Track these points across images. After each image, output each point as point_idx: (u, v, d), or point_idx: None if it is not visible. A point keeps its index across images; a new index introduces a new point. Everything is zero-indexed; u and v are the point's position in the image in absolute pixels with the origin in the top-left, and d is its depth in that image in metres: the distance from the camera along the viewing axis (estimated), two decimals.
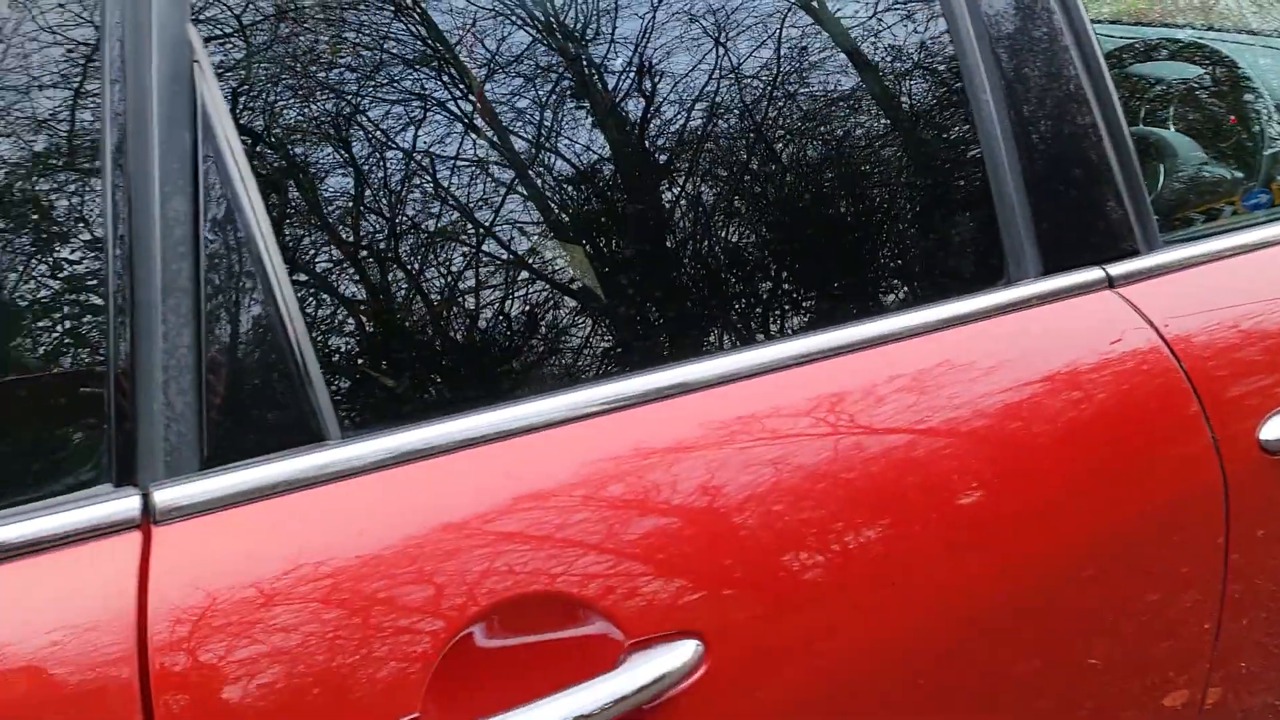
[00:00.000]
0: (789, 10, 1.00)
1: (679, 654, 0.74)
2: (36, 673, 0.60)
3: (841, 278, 1.04)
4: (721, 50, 0.98)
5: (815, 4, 1.03)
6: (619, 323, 0.93)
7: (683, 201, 0.95)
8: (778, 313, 1.02)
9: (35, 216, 0.68)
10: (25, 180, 0.68)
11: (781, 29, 1.00)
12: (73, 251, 0.68)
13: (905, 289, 1.05)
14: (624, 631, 0.74)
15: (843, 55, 1.02)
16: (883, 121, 1.05)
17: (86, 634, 0.61)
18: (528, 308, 0.86)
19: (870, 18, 1.05)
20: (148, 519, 0.65)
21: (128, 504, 0.64)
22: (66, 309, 0.68)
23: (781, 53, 1.00)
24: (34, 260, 0.67)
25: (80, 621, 0.62)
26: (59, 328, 0.68)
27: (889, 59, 1.05)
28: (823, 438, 0.91)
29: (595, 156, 0.92)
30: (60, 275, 0.68)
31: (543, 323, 0.87)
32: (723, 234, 0.98)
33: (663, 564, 0.79)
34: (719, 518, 0.85)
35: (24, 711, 0.59)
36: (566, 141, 0.90)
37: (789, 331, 1.01)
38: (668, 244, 0.96)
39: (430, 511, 0.71)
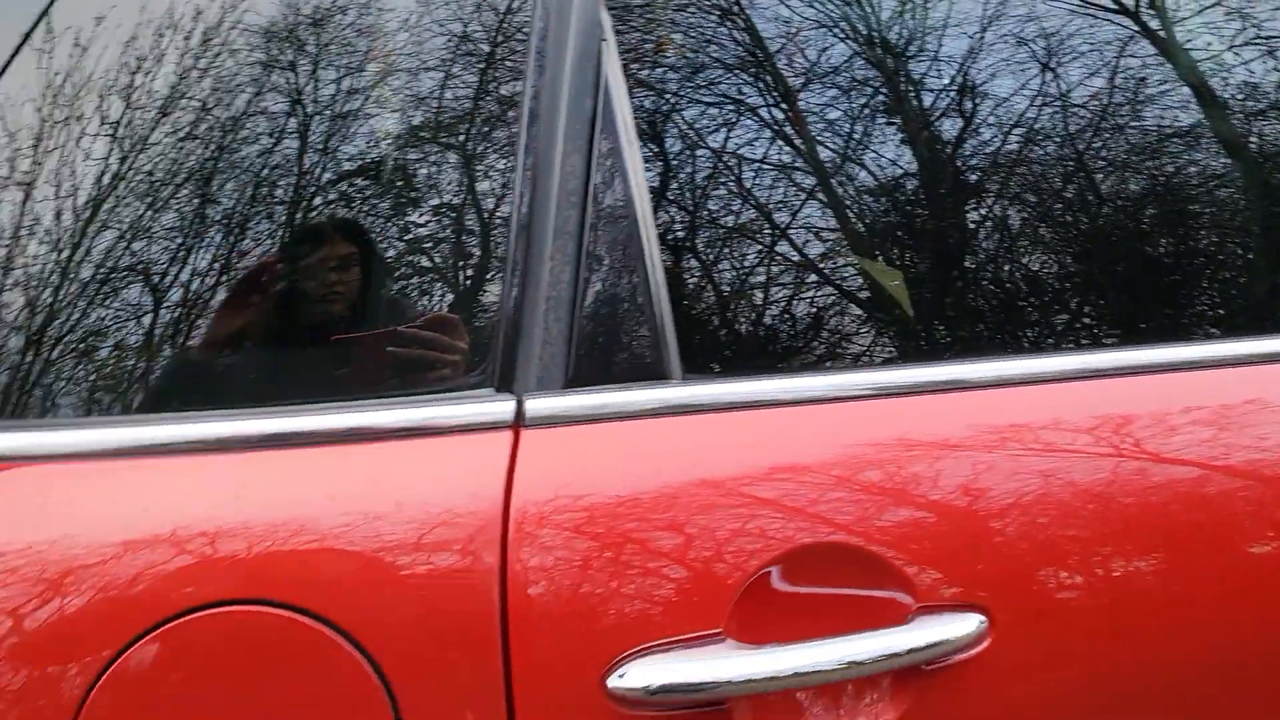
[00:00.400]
0: (1130, 39, 1.02)
1: (964, 625, 0.78)
2: (411, 537, 0.72)
3: (1147, 297, 1.03)
4: (1051, 75, 1.00)
5: (1163, 33, 1.03)
6: (905, 311, 0.97)
7: (994, 201, 0.98)
8: (1069, 323, 1.03)
9: (464, 164, 0.81)
10: (458, 131, 0.81)
11: (1120, 58, 1.01)
12: (489, 194, 0.81)
13: (1225, 316, 1.03)
14: (913, 596, 0.79)
15: (1188, 87, 1.02)
16: (1227, 157, 1.04)
17: (464, 510, 0.73)
18: (836, 287, 0.92)
19: (1229, 49, 1.04)
20: (519, 423, 0.76)
21: (505, 407, 0.76)
22: (479, 242, 0.81)
23: (1117, 82, 1.01)
24: (458, 199, 0.81)
25: (459, 497, 0.73)
26: (472, 256, 0.81)
27: (1246, 94, 1.04)
28: (1102, 458, 0.90)
29: (916, 154, 0.97)
30: (476, 213, 0.81)
31: (840, 303, 0.93)
32: (1027, 237, 1.00)
33: (935, 547, 0.82)
34: (976, 521, 0.87)
35: (404, 564, 0.71)
36: (893, 143, 0.95)
37: (1080, 344, 1.01)
38: (971, 241, 0.99)
39: (754, 455, 0.79)
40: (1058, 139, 1.00)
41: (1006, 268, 1.00)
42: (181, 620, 0.67)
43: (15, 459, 0.71)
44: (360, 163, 0.83)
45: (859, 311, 0.92)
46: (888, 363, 0.93)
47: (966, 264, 0.99)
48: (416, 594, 0.71)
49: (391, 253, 0.84)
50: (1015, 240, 1.00)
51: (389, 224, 0.83)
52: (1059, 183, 1.01)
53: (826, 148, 0.92)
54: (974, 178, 0.99)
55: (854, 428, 0.85)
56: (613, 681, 0.72)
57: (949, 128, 0.99)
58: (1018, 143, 0.99)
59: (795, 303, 0.89)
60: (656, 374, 0.80)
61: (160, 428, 0.72)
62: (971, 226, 0.99)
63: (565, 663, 0.73)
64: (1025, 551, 0.86)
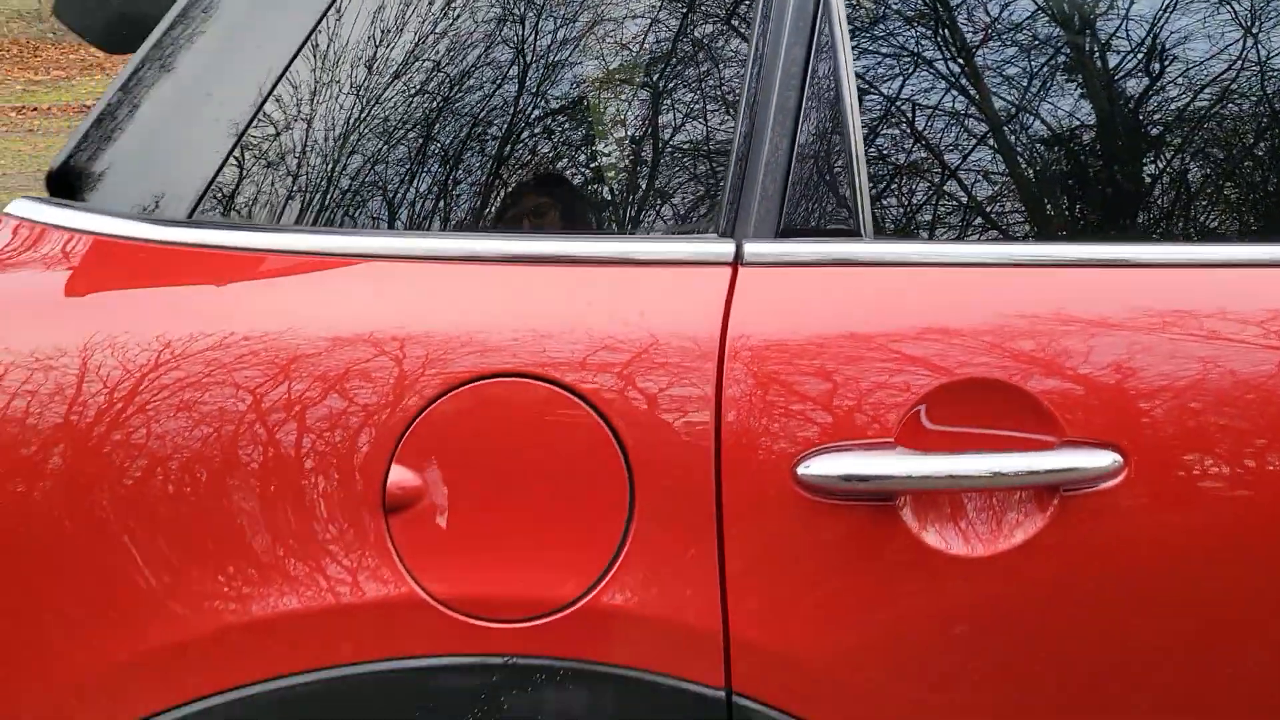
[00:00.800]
0: None
1: (1099, 458, 0.92)
2: (651, 342, 0.91)
3: None
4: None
5: None
6: (1079, 185, 1.06)
7: (1184, 86, 1.03)
8: (1250, 210, 1.07)
9: (706, 54, 0.99)
10: (704, 28, 0.98)
11: None
12: (727, 78, 0.98)
13: None
14: (1055, 434, 0.93)
15: None
16: None
17: (692, 325, 0.91)
18: (1018, 159, 1.04)
19: None
20: (737, 262, 0.94)
21: (727, 248, 0.94)
22: (719, 118, 0.98)
23: None
24: (702, 87, 0.99)
25: (689, 315, 0.92)
26: (714, 129, 0.99)
27: None
28: (1270, 351, 0.94)
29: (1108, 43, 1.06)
30: (715, 97, 0.99)
31: (1015, 179, 1.04)
32: (1215, 123, 1.05)
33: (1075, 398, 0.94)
34: (1125, 396, 0.94)
35: (643, 360, 0.90)
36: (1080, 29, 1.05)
37: (1259, 234, 1.04)
38: (1159, 124, 1.05)
39: (918, 312, 0.94)
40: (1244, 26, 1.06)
41: (1189, 152, 1.06)
42: (478, 384, 0.88)
43: (368, 256, 0.93)
44: (611, 56, 1.02)
45: (1034, 190, 1.05)
46: (1056, 238, 1.04)
47: (1150, 147, 1.06)
48: (652, 384, 0.90)
49: (644, 131, 1.03)
50: (1200, 126, 1.06)
51: (646, 106, 1.01)
52: (1251, 70, 1.05)
53: (1009, 46, 1.04)
54: (1168, 61, 1.04)
55: (1013, 298, 0.97)
56: (801, 470, 0.90)
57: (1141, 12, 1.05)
58: (1208, 32, 1.04)
59: (974, 177, 1.03)
60: (851, 232, 0.96)
61: (465, 241, 0.94)
62: (1159, 109, 1.06)
63: (764, 454, 0.91)
64: (1174, 434, 0.94)
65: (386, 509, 0.88)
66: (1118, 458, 0.93)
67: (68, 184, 0.99)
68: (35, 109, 9.00)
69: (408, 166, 0.97)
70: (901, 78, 1.01)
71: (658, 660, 0.91)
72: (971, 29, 1.03)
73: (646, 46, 1.02)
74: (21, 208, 1.00)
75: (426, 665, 0.88)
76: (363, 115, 0.96)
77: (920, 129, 1.01)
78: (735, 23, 0.99)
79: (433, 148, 0.97)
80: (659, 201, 0.99)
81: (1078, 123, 1.06)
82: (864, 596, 0.93)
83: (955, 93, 1.02)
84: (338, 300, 0.92)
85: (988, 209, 1.03)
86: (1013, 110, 1.03)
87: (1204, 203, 1.07)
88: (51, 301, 0.95)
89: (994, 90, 1.03)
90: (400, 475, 0.88)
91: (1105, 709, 0.97)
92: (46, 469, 0.88)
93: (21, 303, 0.96)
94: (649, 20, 1.01)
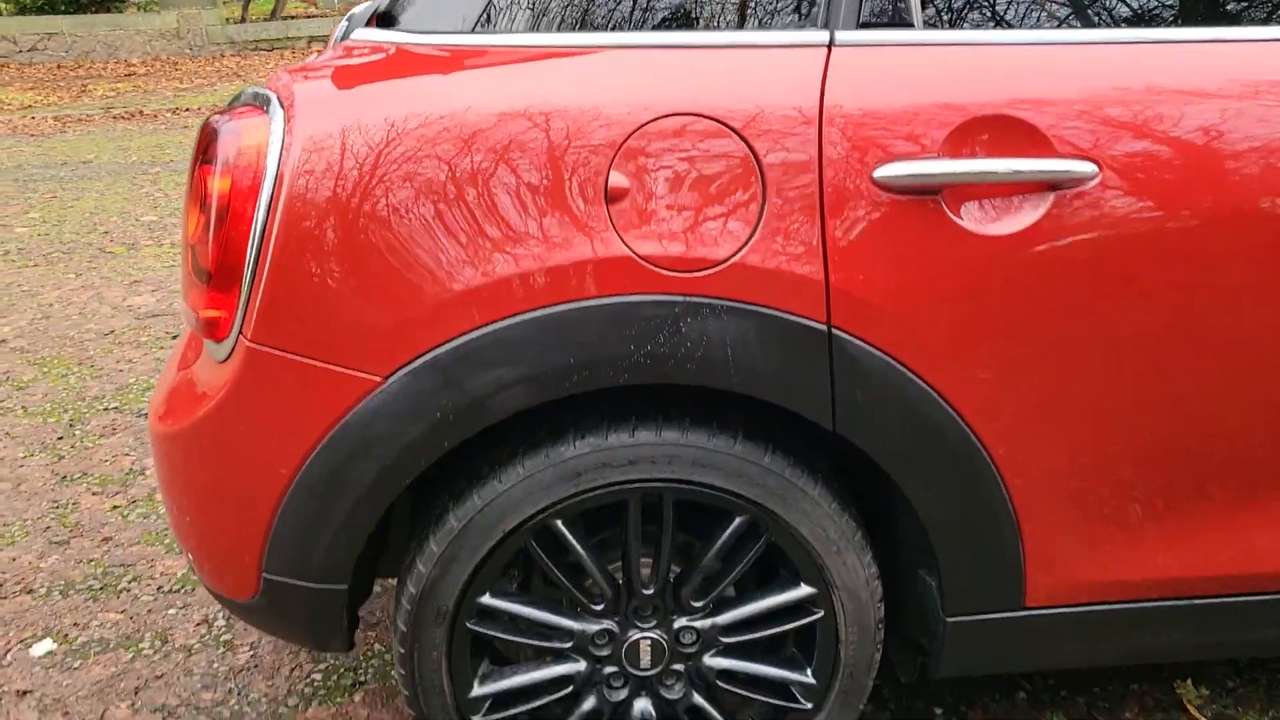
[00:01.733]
0: None
1: (1085, 168, 1.36)
2: (770, 99, 1.38)
3: None
4: None
5: None
6: None
7: None
8: None
9: None
10: None
11: None
12: None
13: None
14: (1052, 154, 1.37)
15: None
16: None
17: (799, 88, 1.38)
18: None
19: None
20: (830, 45, 1.41)
21: (824, 35, 1.41)
22: None
23: None
24: None
25: (799, 79, 1.39)
26: None
27: None
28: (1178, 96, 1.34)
29: None
30: None
31: None
32: None
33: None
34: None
35: (764, 105, 1.37)
36: None
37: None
38: None
39: (952, 71, 1.40)
40: None
41: None
42: (665, 119, 1.37)
43: (593, 48, 1.43)
44: None
45: None
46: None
47: None
48: (777, 122, 1.38)
49: None
50: None
51: None
52: None
53: None
54: None
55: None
56: (876, 173, 1.36)
57: None
58: None
59: None
60: (906, 23, 1.42)
61: (654, 35, 1.43)
62: None
63: (851, 165, 1.37)
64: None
65: (608, 200, 1.37)
66: (1096, 168, 1.37)
67: (389, 20, 1.52)
68: (188, 109, 9.90)
69: None
70: None
71: (782, 302, 1.38)
72: None
73: None
74: (359, 34, 1.53)
75: (634, 300, 1.38)
76: None
77: None
78: None
79: None
80: (780, 4, 1.47)
81: None
82: (920, 262, 1.39)
83: None
84: (575, 76, 1.42)
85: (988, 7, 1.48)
86: None
87: None
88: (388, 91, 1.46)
89: None
90: (616, 179, 1.37)
91: (1081, 345, 1.42)
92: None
93: (326, 98, 1.46)
94: None
